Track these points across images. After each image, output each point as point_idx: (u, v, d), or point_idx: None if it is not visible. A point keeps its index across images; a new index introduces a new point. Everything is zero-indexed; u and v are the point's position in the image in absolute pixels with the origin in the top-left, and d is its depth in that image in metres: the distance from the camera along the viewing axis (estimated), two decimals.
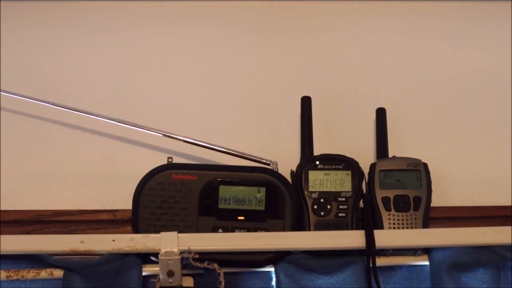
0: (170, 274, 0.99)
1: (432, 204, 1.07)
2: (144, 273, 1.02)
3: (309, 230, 1.04)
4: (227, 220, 1.03)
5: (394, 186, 1.07)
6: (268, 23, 1.31)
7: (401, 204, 1.06)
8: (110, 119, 1.11)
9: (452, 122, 1.24)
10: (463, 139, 1.23)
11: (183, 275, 1.02)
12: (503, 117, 1.25)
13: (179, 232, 0.99)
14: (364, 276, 1.03)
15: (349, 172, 1.07)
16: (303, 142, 1.13)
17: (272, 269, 1.05)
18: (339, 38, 1.31)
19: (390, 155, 1.12)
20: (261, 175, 1.05)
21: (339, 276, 1.03)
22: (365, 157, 1.13)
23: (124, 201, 1.12)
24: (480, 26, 1.33)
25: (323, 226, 1.04)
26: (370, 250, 1.01)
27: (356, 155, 1.09)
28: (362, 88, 1.26)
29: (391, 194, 1.06)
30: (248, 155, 1.09)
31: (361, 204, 1.08)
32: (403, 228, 1.05)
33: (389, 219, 1.05)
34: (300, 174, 1.07)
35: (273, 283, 1.05)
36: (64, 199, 1.12)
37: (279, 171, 1.07)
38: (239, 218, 1.03)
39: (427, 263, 1.07)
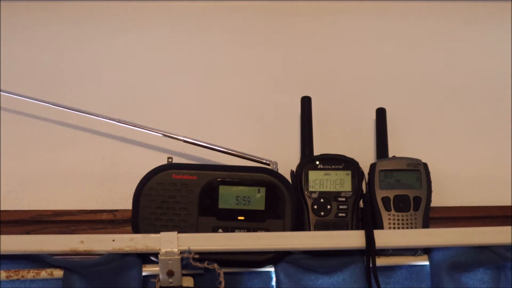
0: (170, 274, 0.99)
1: (432, 204, 1.07)
2: (144, 273, 1.02)
3: (309, 230, 1.04)
4: (227, 220, 1.03)
5: (394, 186, 1.07)
6: (268, 23, 1.31)
7: (401, 204, 1.06)
8: (110, 119, 1.11)
9: (452, 122, 1.24)
10: (463, 139, 1.23)
11: (183, 275, 1.02)
12: (503, 117, 1.25)
13: (179, 232, 0.99)
14: (364, 276, 1.03)
15: (349, 172, 1.07)
16: (303, 142, 1.13)
17: (272, 269, 1.05)
18: (339, 38, 1.31)
19: (390, 155, 1.12)
20: (261, 175, 1.05)
21: (339, 276, 1.03)
22: (365, 157, 1.13)
23: (124, 201, 1.12)
24: (480, 26, 1.33)
25: (323, 226, 1.04)
26: (370, 250, 1.01)
27: (356, 155, 1.09)
28: (362, 88, 1.26)
29: (391, 194, 1.06)
30: (248, 155, 1.09)
31: (361, 204, 1.08)
32: (403, 228, 1.05)
33: (389, 219, 1.05)
34: (300, 174, 1.07)
35: (273, 283, 1.05)
36: (64, 199, 1.12)
37: (279, 171, 1.07)
38: (239, 218, 1.03)
39: (427, 263, 1.07)
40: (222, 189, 1.04)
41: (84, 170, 1.15)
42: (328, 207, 1.05)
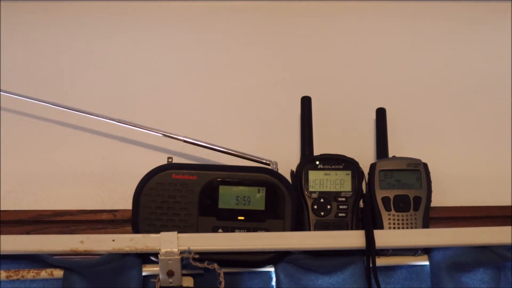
0: (170, 274, 0.99)
1: (432, 204, 1.07)
2: (144, 273, 1.02)
3: (309, 230, 1.04)
4: (227, 220, 1.03)
5: (394, 186, 1.07)
6: (268, 23, 1.31)
7: (401, 204, 1.06)
8: (110, 119, 1.11)
9: (452, 122, 1.24)
10: (463, 139, 1.23)
11: (183, 275, 1.02)
12: (503, 117, 1.25)
13: (179, 232, 0.99)
14: (364, 276, 1.03)
15: (349, 172, 1.07)
16: (303, 142, 1.13)
17: (272, 269, 1.05)
18: (339, 38, 1.31)
19: (390, 155, 1.12)
20: (261, 175, 1.05)
21: (339, 276, 1.03)
22: (365, 157, 1.13)
23: (124, 201, 1.12)
24: (480, 26, 1.33)
25: (323, 226, 1.04)
26: (370, 250, 1.01)
27: (356, 155, 1.09)
28: (362, 88, 1.26)
29: (391, 194, 1.06)
30: (248, 155, 1.09)
31: (361, 204, 1.08)
32: (403, 228, 1.05)
33: (389, 219, 1.05)
34: (300, 174, 1.07)
35: (273, 283, 1.05)
36: (64, 199, 1.12)
37: (279, 171, 1.07)
38: (239, 218, 1.03)
39: (427, 263, 1.07)
40: (222, 189, 1.04)
41: (84, 170, 1.15)
42: (328, 207, 1.05)
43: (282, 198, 1.04)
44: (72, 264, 0.99)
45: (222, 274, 0.99)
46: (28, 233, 1.07)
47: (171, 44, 1.28)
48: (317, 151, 1.11)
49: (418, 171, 1.08)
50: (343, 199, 1.05)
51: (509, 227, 1.03)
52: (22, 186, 1.13)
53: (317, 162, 1.07)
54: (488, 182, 1.19)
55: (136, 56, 1.26)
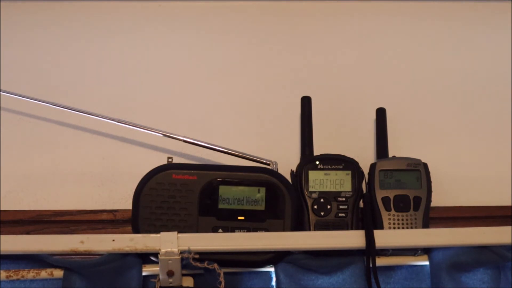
0: (170, 274, 0.99)
1: (432, 204, 1.07)
2: (144, 273, 1.02)
3: (309, 230, 1.04)
4: (227, 220, 1.03)
5: (394, 186, 1.07)
6: (268, 23, 1.31)
7: (401, 204, 1.06)
8: (110, 119, 1.11)
9: (452, 122, 1.24)
10: (463, 139, 1.23)
11: (183, 275, 1.02)
12: (503, 117, 1.25)
13: (179, 232, 0.99)
14: (364, 276, 1.03)
15: (349, 172, 1.07)
16: (303, 142, 1.13)
17: (272, 269, 1.05)
18: (339, 38, 1.31)
19: (390, 155, 1.12)
20: (261, 175, 1.05)
21: (339, 276, 1.03)
22: (365, 157, 1.13)
23: (124, 201, 1.12)
24: (480, 26, 1.33)
25: (323, 226, 1.04)
26: (370, 250, 1.01)
27: (356, 155, 1.09)
28: (362, 88, 1.26)
29: (391, 194, 1.06)
30: (248, 155, 1.09)
31: (361, 204, 1.08)
32: (403, 228, 1.05)
33: (389, 219, 1.05)
34: (300, 174, 1.07)
35: (273, 283, 1.05)
36: (64, 199, 1.12)
37: (279, 171, 1.07)
38: (239, 218, 1.03)
39: (427, 263, 1.07)
40: (222, 189, 1.04)
41: (84, 170, 1.15)
42: (328, 207, 1.05)
43: (282, 198, 1.04)
44: (72, 264, 0.99)
45: (222, 274, 0.99)
46: (28, 233, 1.07)
47: (171, 44, 1.28)
48: (317, 151, 1.11)
49: (418, 171, 1.08)
50: (343, 199, 1.05)
51: (509, 227, 1.03)
52: (22, 186, 1.13)
53: (317, 162, 1.07)
54: (488, 182, 1.19)
55: (136, 56, 1.26)
